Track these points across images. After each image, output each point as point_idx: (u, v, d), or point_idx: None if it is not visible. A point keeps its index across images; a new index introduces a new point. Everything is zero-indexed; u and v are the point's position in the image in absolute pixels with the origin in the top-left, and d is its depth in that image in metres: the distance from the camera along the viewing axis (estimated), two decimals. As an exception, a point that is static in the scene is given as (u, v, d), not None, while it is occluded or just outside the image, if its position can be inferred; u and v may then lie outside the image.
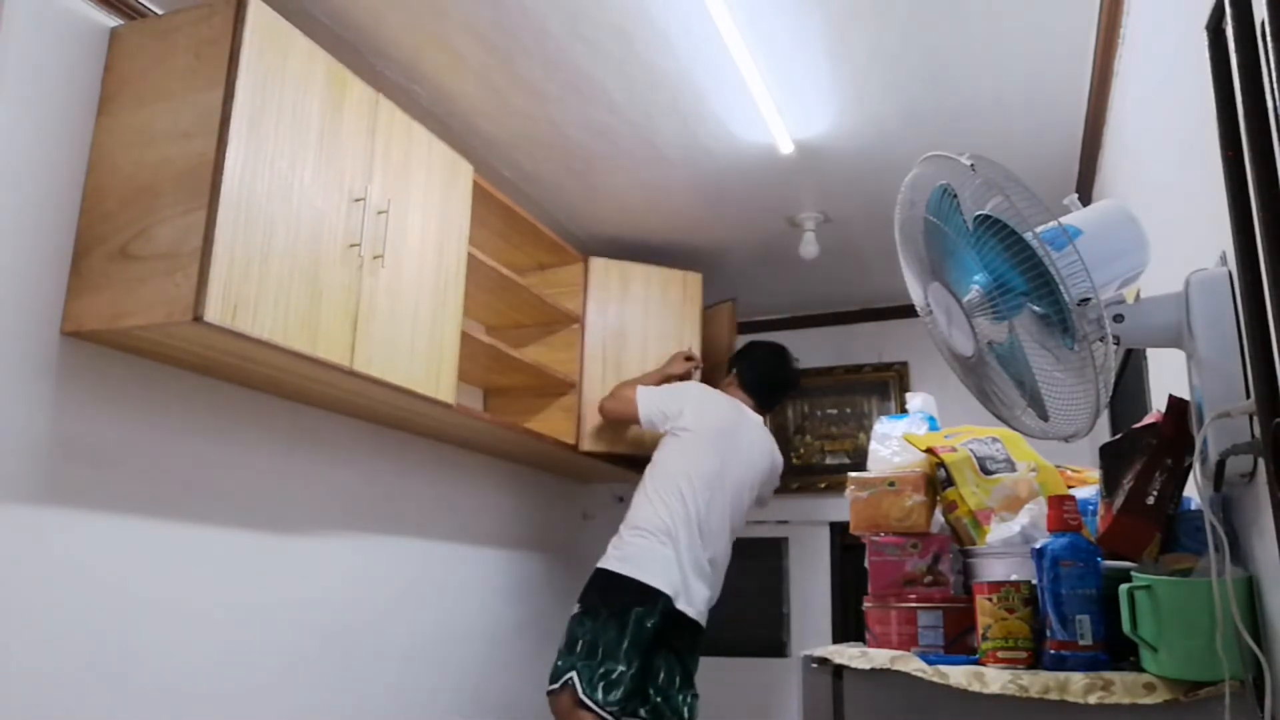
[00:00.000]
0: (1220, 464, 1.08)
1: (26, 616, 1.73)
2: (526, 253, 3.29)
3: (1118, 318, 1.18)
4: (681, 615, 2.76)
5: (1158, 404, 1.59)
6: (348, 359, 2.08)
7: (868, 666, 1.31)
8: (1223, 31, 1.05)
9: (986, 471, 1.62)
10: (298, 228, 1.96)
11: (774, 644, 4.01)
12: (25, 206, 1.79)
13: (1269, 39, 0.87)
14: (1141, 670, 1.15)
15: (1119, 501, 1.30)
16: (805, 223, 3.45)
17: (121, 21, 2.00)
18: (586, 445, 3.25)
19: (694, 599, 2.79)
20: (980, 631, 1.32)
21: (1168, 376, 1.80)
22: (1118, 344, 1.16)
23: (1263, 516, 1.06)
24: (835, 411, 4.25)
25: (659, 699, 2.79)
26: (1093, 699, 1.13)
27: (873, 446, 1.86)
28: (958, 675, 1.23)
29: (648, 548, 2.75)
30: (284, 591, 2.34)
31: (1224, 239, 1.10)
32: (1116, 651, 1.21)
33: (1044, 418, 1.23)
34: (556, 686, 2.63)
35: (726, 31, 2.37)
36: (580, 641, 2.67)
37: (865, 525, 1.61)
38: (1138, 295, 1.30)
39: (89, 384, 1.88)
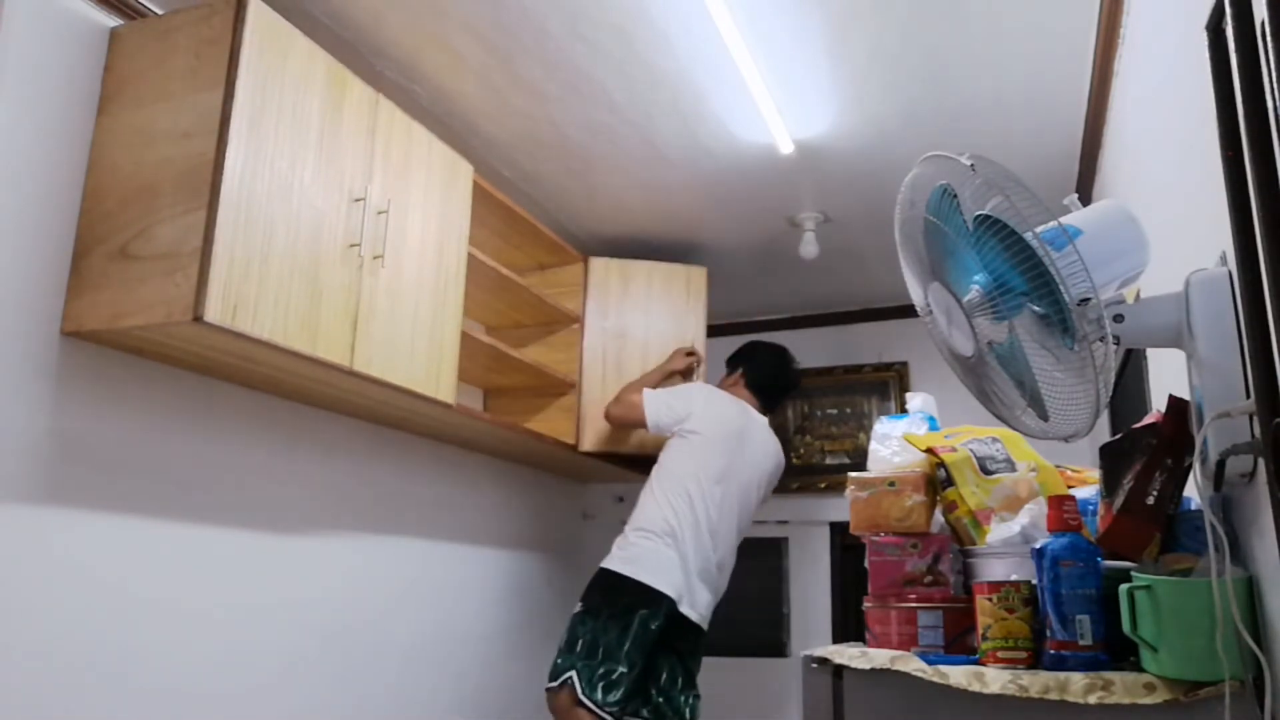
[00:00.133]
0: (1220, 464, 1.08)
1: (26, 616, 1.73)
2: (526, 253, 3.29)
3: (1118, 318, 1.18)
4: (684, 618, 2.75)
5: (1158, 404, 1.59)
6: (348, 359, 2.08)
7: (868, 666, 1.31)
8: (1223, 31, 1.05)
9: (986, 471, 1.62)
10: (298, 228, 1.96)
11: (774, 644, 4.01)
12: (25, 206, 1.79)
13: (1269, 39, 0.87)
14: (1141, 670, 1.15)
15: (1119, 501, 1.30)
16: (805, 223, 3.45)
17: (121, 21, 2.00)
18: (586, 445, 3.25)
19: (697, 603, 2.79)
20: (980, 631, 1.32)
21: (1168, 376, 1.80)
22: (1118, 344, 1.16)
23: (1263, 516, 1.07)
24: (835, 411, 4.25)
25: (661, 699, 2.79)
26: (1093, 699, 1.13)
27: (873, 446, 1.86)
28: (958, 675, 1.23)
29: (653, 550, 2.75)
30: (284, 591, 2.34)
31: (1224, 239, 1.10)
32: (1116, 651, 1.21)
33: (1044, 418, 1.23)
34: (555, 685, 2.62)
35: (726, 31, 2.37)
36: (581, 641, 2.66)
37: (865, 525, 1.61)
38: (1138, 295, 1.30)
39: (89, 384, 1.88)
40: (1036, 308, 1.16)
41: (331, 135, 2.08)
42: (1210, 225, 1.25)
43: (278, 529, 2.34)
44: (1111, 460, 1.38)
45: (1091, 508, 1.50)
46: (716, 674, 3.55)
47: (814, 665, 1.37)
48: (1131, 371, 2.32)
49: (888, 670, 1.29)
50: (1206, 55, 1.12)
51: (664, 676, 2.81)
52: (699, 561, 2.79)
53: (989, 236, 1.16)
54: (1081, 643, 1.21)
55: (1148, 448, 1.29)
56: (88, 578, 1.86)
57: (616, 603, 2.69)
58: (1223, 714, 1.03)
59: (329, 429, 2.54)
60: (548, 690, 2.65)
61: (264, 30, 1.90)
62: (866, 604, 1.53)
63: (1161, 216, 1.61)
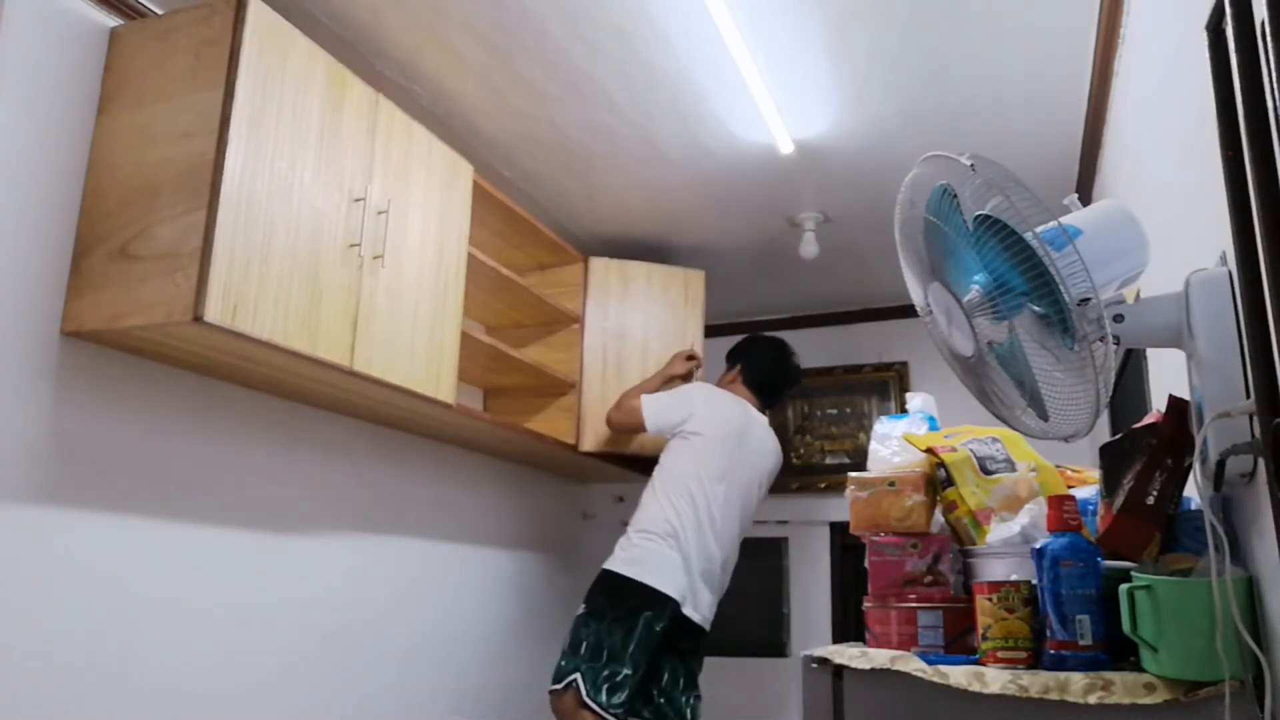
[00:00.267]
0: (1220, 464, 1.08)
1: (26, 616, 1.73)
2: (526, 253, 3.29)
3: (1118, 318, 1.18)
4: (688, 620, 2.75)
5: (1158, 404, 1.59)
6: (348, 359, 2.08)
7: (868, 666, 1.31)
8: (1223, 31, 1.05)
9: (986, 471, 1.62)
10: (298, 228, 1.96)
11: (774, 644, 4.01)
12: (25, 206, 1.79)
13: (1269, 39, 0.87)
14: (1141, 670, 1.15)
15: (1119, 501, 1.30)
16: (805, 223, 3.45)
17: (121, 21, 2.00)
18: (586, 445, 3.25)
19: (700, 604, 2.79)
20: (980, 631, 1.32)
21: (1168, 376, 1.80)
22: (1118, 344, 1.16)
23: (1263, 516, 1.07)
24: (835, 411, 4.25)
25: (662, 700, 2.79)
26: (1093, 699, 1.13)
27: (873, 446, 1.86)
28: (958, 675, 1.23)
29: (656, 551, 2.75)
30: (284, 591, 2.34)
31: (1224, 239, 1.10)
32: (1116, 651, 1.21)
33: (1044, 418, 1.23)
34: (560, 687, 2.62)
35: (726, 31, 2.37)
36: (585, 643, 2.66)
37: (865, 525, 1.61)
38: (1138, 295, 1.30)
39: (89, 384, 1.88)
40: (1036, 308, 1.16)
41: (331, 135, 2.08)
42: (1210, 225, 1.25)
43: (278, 529, 2.34)
44: (1111, 460, 1.38)
45: (1091, 508, 1.50)
46: (716, 674, 3.55)
47: (814, 665, 1.37)
48: (1131, 371, 2.32)
49: (888, 670, 1.30)
50: (1206, 55, 1.12)
51: (665, 677, 2.81)
52: (702, 562, 2.79)
53: (989, 236, 1.16)
54: (1081, 643, 1.21)
55: (1148, 448, 1.29)
56: (88, 578, 1.86)
57: (620, 605, 2.68)
58: (1223, 714, 1.03)
59: (329, 429, 2.54)
60: (551, 693, 2.65)
61: (264, 30, 1.90)
62: (866, 604, 1.53)
63: (1161, 216, 1.61)
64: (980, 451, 1.65)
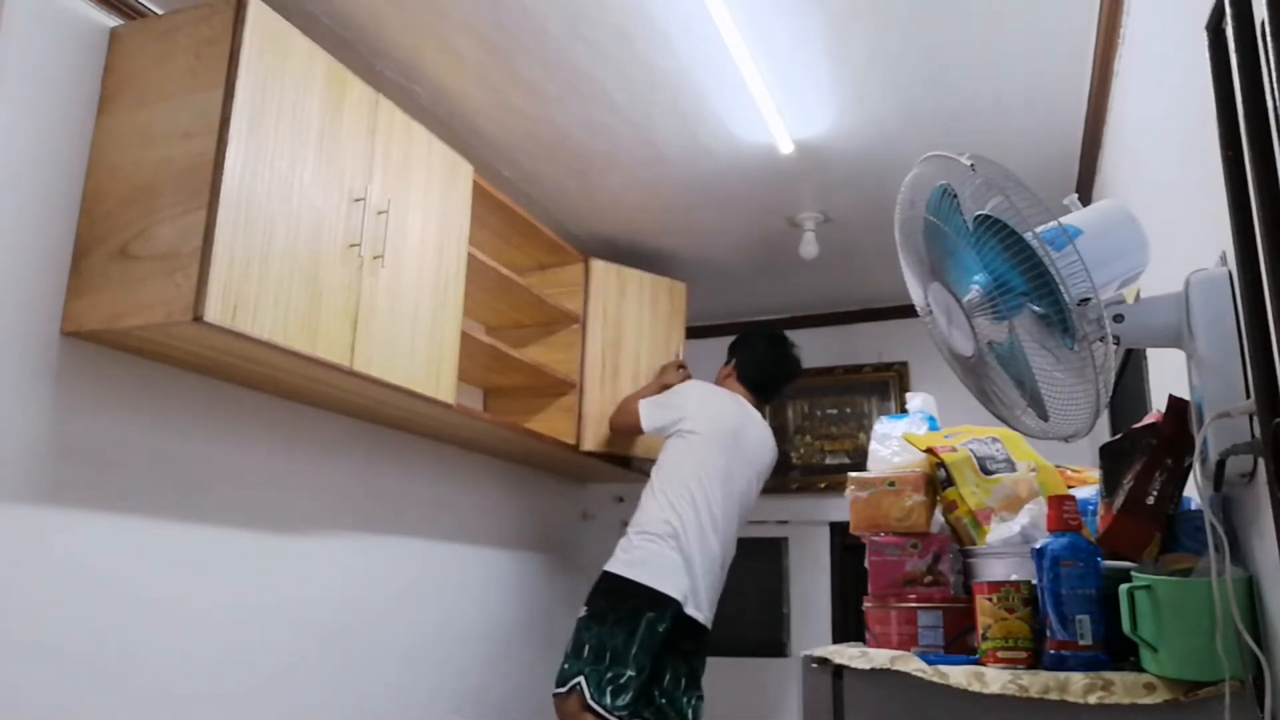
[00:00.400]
0: (1220, 464, 1.08)
1: (26, 616, 1.73)
2: (526, 253, 3.29)
3: (1118, 318, 1.18)
4: (690, 620, 2.75)
5: (1158, 404, 1.59)
6: (348, 359, 2.08)
7: (868, 666, 1.31)
8: (1223, 31, 1.05)
9: (986, 471, 1.62)
10: (298, 228, 1.96)
11: (774, 644, 4.01)
12: (25, 206, 1.79)
13: (1269, 39, 0.87)
14: (1141, 670, 1.15)
15: (1119, 501, 1.30)
16: (805, 223, 3.45)
17: (121, 21, 2.00)
18: (587, 445, 3.25)
19: (702, 603, 2.79)
20: (980, 631, 1.32)
21: (1168, 376, 1.80)
22: (1118, 344, 1.16)
23: (1263, 516, 1.06)
24: (835, 411, 4.25)
25: (663, 701, 2.79)
26: (1093, 699, 1.13)
27: (873, 446, 1.86)
28: (958, 675, 1.23)
29: (657, 552, 2.75)
30: (284, 591, 2.34)
31: (1224, 239, 1.10)
32: (1116, 651, 1.21)
33: (1044, 418, 1.23)
34: (564, 690, 2.62)
35: (726, 31, 2.37)
36: (587, 646, 2.66)
37: (865, 525, 1.61)
38: (1138, 295, 1.30)
39: (89, 384, 1.88)
40: (1036, 308, 1.16)
41: (331, 135, 2.08)
42: (1210, 225, 1.25)
43: (278, 529, 2.34)
44: (1111, 460, 1.38)
45: (1091, 508, 1.50)
46: (716, 674, 3.55)
47: (814, 665, 1.37)
48: (1131, 371, 2.32)
49: (888, 670, 1.29)
50: (1206, 55, 1.12)
51: (667, 678, 2.81)
52: (703, 561, 2.79)
53: (989, 236, 1.16)
54: (1081, 643, 1.21)
55: (1148, 448, 1.29)
56: (88, 578, 1.86)
57: (621, 606, 2.68)
58: (1223, 714, 1.03)
59: (329, 429, 2.54)
60: (555, 696, 2.65)
61: (264, 30, 1.90)
62: (866, 604, 1.53)
63: (1161, 216, 1.61)
64: (980, 451, 1.65)
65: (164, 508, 2.03)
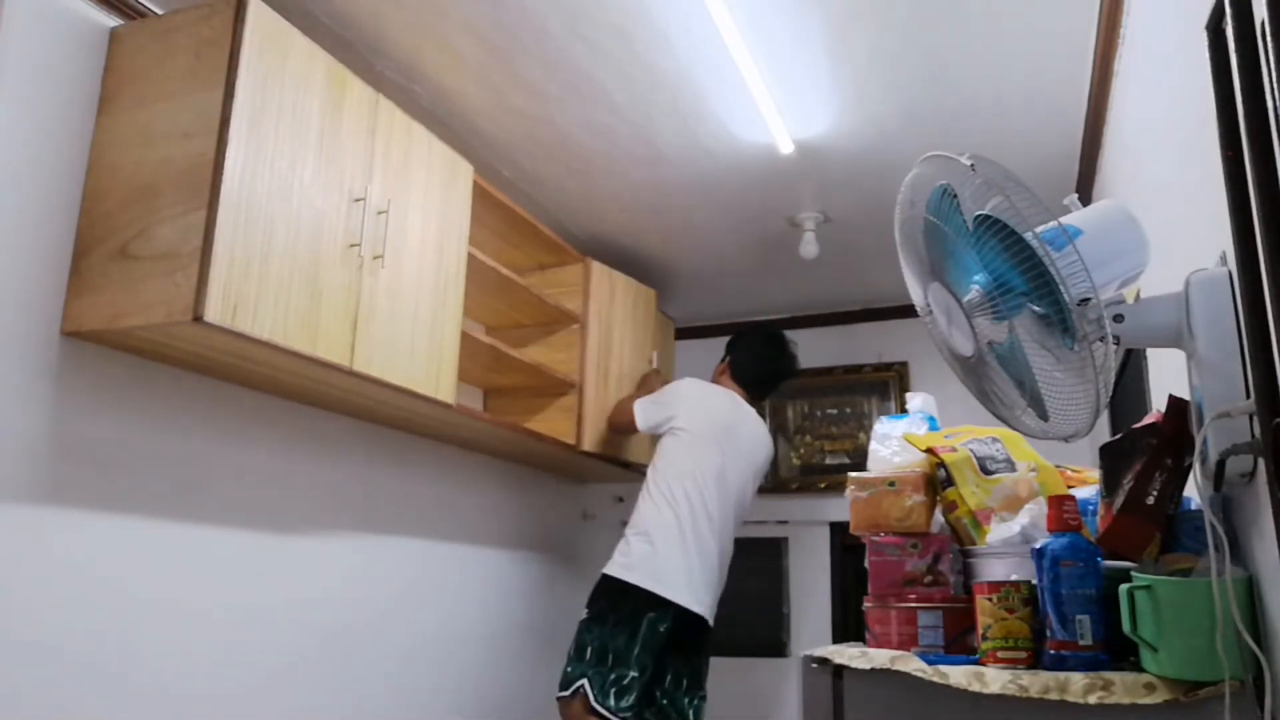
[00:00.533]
0: (1220, 464, 1.08)
1: (26, 616, 1.73)
2: (526, 253, 3.29)
3: (1118, 318, 1.18)
4: (691, 617, 2.75)
5: (1158, 404, 1.59)
6: (348, 359, 2.08)
7: (868, 666, 1.31)
8: (1223, 31, 1.05)
9: (986, 471, 1.62)
10: (298, 228, 1.96)
11: (774, 644, 4.01)
12: (25, 206, 1.79)
13: (1269, 39, 0.88)
14: (1141, 670, 1.15)
15: (1119, 501, 1.30)
16: (805, 223, 3.45)
17: (121, 21, 2.00)
18: (586, 445, 3.25)
19: (702, 599, 2.79)
20: (980, 631, 1.32)
21: (1168, 376, 1.80)
22: (1118, 344, 1.16)
23: (1263, 516, 1.07)
24: (835, 411, 4.25)
25: (665, 701, 2.79)
26: (1093, 699, 1.13)
27: (873, 446, 1.86)
28: (958, 675, 1.23)
29: (654, 553, 2.74)
30: (284, 591, 2.34)
31: (1224, 239, 1.10)
32: (1116, 651, 1.21)
33: (1044, 418, 1.23)
34: (567, 694, 2.62)
35: (726, 31, 2.37)
36: (590, 648, 2.66)
37: (865, 525, 1.61)
38: (1138, 295, 1.30)
39: (89, 384, 1.88)
40: (1036, 308, 1.16)
41: (331, 135, 2.08)
42: (1210, 225, 1.25)
43: (278, 529, 2.34)
44: (1111, 460, 1.38)
45: (1091, 508, 1.50)
46: (716, 674, 3.54)
47: (814, 665, 1.37)
48: (1131, 371, 2.32)
49: (888, 670, 1.30)
50: (1206, 55, 1.12)
51: (669, 678, 2.82)
52: (701, 559, 2.79)
53: (989, 236, 1.16)
54: (1081, 643, 1.21)
55: (1148, 448, 1.29)
56: (88, 578, 1.86)
57: (622, 608, 2.68)
58: (1223, 714, 1.03)
59: (329, 429, 2.54)
60: (559, 699, 2.65)
61: (264, 30, 1.90)
62: (866, 604, 1.53)
63: (1161, 216, 1.61)
64: (980, 451, 1.65)
65: (164, 508, 2.03)
